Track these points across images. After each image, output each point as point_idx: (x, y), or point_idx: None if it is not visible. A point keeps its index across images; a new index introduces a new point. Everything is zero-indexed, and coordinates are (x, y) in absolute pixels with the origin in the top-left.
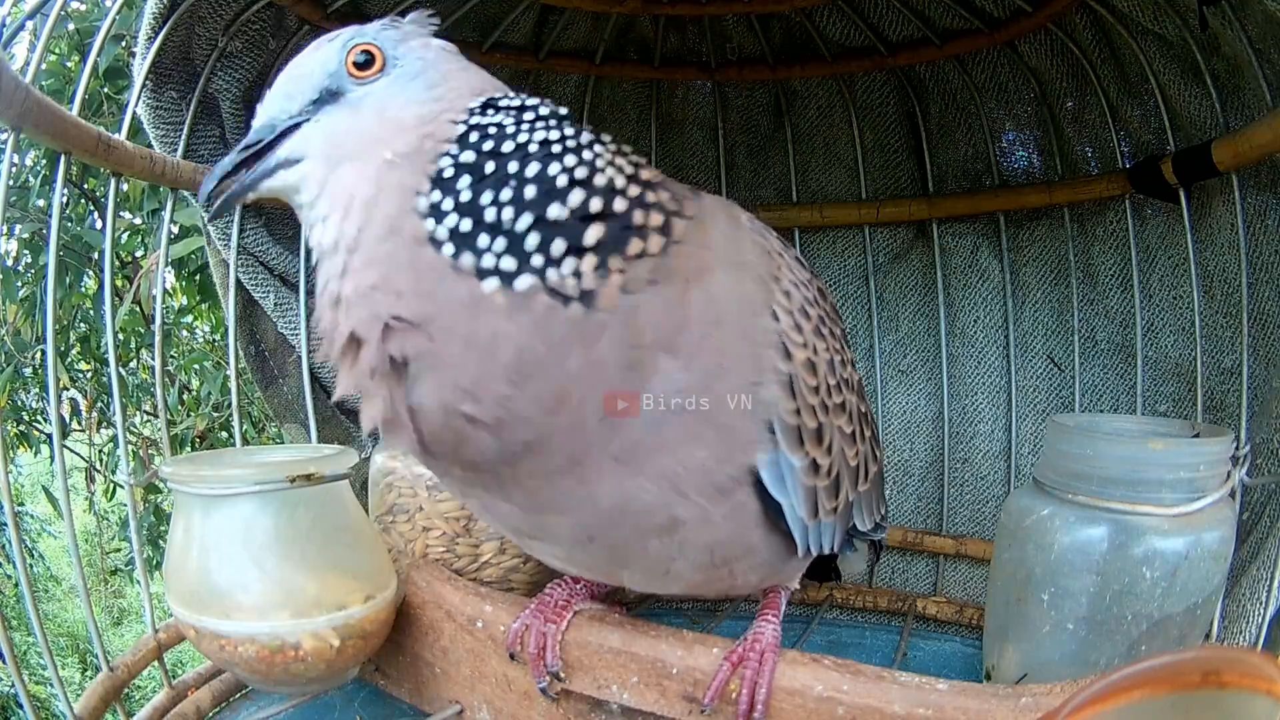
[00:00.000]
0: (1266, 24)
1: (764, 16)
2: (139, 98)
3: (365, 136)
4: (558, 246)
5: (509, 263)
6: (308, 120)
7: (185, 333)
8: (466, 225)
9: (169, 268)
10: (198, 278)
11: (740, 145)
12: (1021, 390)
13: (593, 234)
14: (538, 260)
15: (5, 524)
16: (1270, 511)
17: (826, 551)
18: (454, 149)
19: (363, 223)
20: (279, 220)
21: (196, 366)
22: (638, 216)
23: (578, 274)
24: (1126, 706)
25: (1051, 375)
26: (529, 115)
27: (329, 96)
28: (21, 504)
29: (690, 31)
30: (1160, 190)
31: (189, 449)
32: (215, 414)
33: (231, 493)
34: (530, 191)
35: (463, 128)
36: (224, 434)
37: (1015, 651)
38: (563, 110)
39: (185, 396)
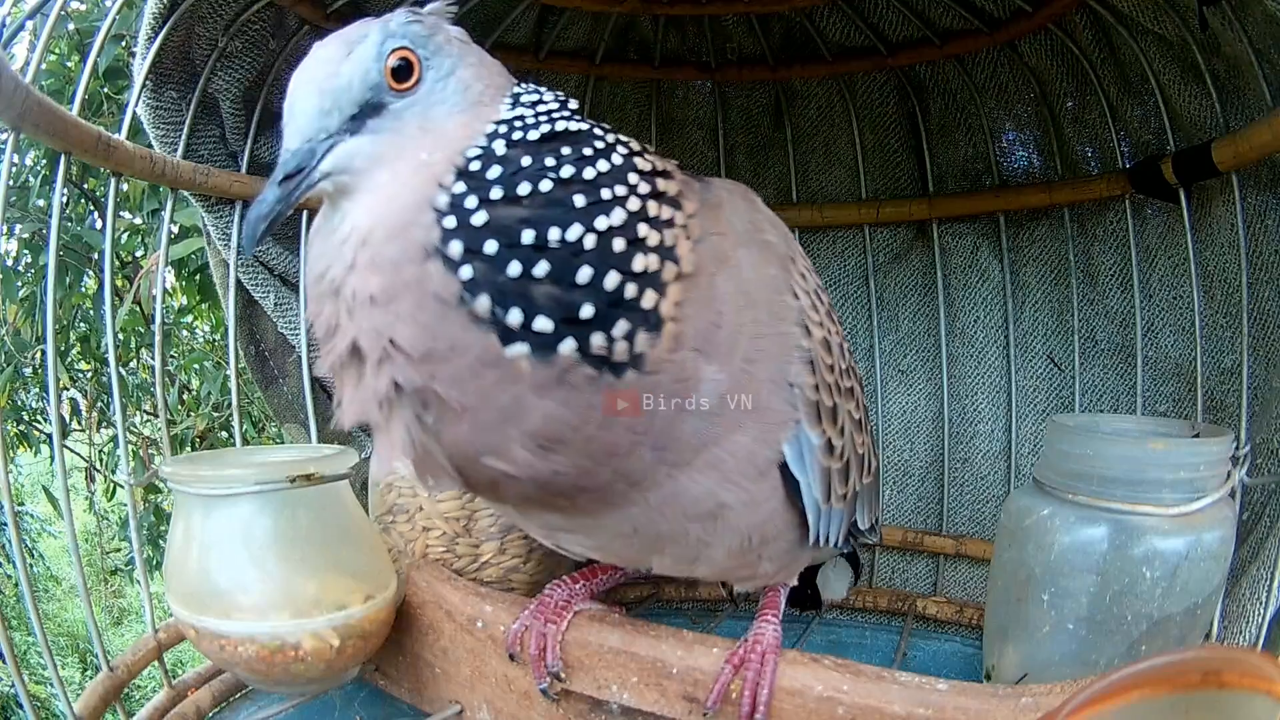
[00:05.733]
0: (1266, 24)
1: (764, 16)
2: (139, 98)
3: (410, 148)
4: (611, 279)
5: (543, 323)
6: (351, 134)
7: (185, 333)
8: (491, 246)
9: (169, 268)
10: (198, 278)
11: (740, 145)
12: (1021, 390)
13: (641, 261)
14: (586, 310)
15: (5, 524)
16: (1270, 511)
17: (833, 543)
18: (484, 141)
19: (379, 215)
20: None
21: (196, 366)
22: (668, 237)
23: (630, 337)
24: (1126, 706)
25: (1051, 375)
26: (545, 107)
27: (370, 110)
28: (21, 504)
29: (690, 31)
30: (1160, 190)
31: (189, 449)
32: (215, 414)
33: (231, 493)
34: (575, 197)
35: (495, 126)
36: (224, 434)
37: (1015, 651)
38: (572, 103)
39: (185, 396)
